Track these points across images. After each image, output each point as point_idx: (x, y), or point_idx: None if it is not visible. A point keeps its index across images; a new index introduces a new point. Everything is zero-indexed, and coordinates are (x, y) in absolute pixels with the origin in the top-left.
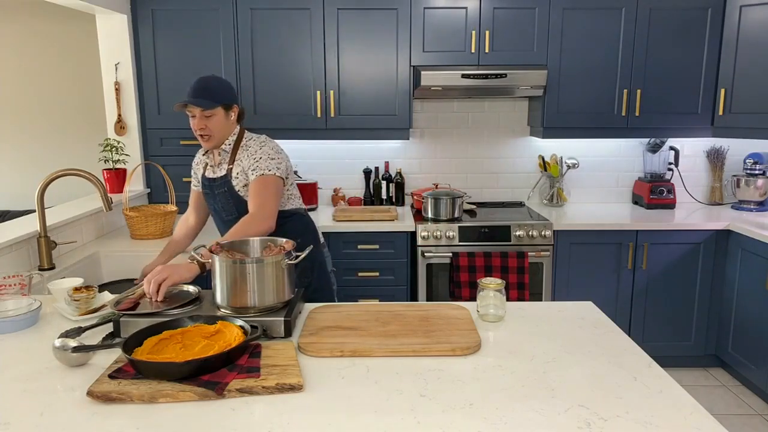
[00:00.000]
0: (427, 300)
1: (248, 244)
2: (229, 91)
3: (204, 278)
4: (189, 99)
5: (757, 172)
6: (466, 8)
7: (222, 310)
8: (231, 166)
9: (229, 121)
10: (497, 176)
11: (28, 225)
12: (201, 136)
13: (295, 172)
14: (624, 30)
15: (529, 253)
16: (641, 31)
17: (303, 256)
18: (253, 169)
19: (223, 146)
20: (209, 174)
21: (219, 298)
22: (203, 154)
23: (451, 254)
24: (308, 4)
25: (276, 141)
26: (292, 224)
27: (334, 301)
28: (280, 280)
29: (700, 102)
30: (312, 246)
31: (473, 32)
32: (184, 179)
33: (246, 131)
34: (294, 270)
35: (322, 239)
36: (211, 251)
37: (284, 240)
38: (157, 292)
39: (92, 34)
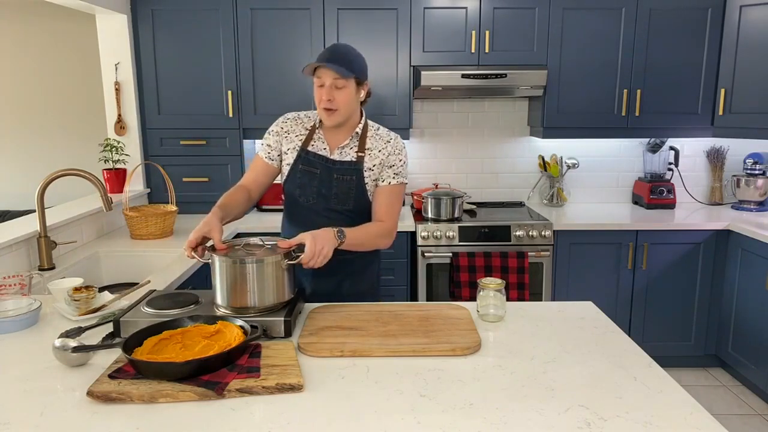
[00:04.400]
0: (427, 300)
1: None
2: (365, 64)
3: (204, 278)
4: (324, 62)
5: (757, 172)
6: (466, 8)
7: (222, 310)
8: (362, 155)
9: (357, 98)
10: (497, 176)
11: (28, 225)
12: (325, 109)
13: None
14: (624, 30)
15: (529, 253)
16: (641, 31)
17: (302, 257)
18: (396, 173)
19: (357, 128)
20: (321, 151)
21: (219, 298)
22: (318, 125)
23: (451, 254)
24: (308, 4)
25: None
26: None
27: None
28: (280, 281)
29: (700, 102)
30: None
31: (473, 32)
32: (185, 179)
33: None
34: (293, 272)
35: None
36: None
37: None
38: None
39: (92, 34)
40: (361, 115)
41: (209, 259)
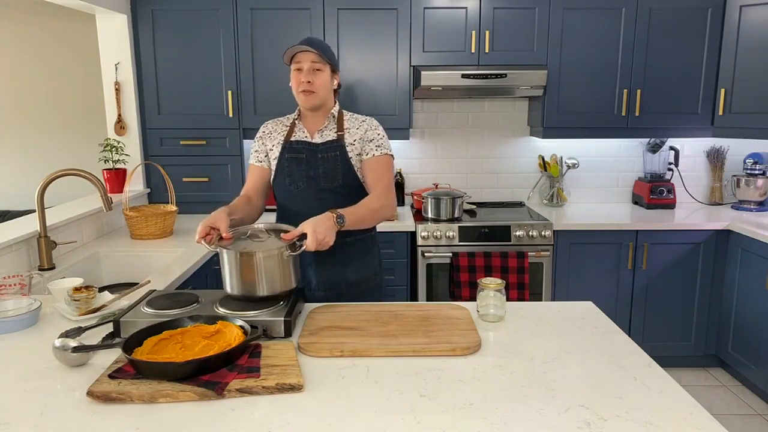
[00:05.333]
0: (427, 300)
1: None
2: (336, 58)
3: (204, 278)
4: (304, 46)
5: (757, 172)
6: (466, 8)
7: (221, 310)
8: (342, 133)
9: (331, 86)
10: (497, 176)
11: (28, 225)
12: (304, 92)
13: None
14: (624, 30)
15: (529, 253)
16: (641, 31)
17: (304, 247)
18: (378, 145)
19: (332, 111)
20: (303, 137)
21: (228, 286)
22: (296, 118)
23: (451, 254)
24: (308, 4)
25: None
26: None
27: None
28: (286, 269)
29: (700, 102)
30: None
31: (473, 32)
32: (185, 179)
33: None
34: (297, 260)
35: None
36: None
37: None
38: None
39: (92, 34)
40: (335, 103)
41: (216, 248)
